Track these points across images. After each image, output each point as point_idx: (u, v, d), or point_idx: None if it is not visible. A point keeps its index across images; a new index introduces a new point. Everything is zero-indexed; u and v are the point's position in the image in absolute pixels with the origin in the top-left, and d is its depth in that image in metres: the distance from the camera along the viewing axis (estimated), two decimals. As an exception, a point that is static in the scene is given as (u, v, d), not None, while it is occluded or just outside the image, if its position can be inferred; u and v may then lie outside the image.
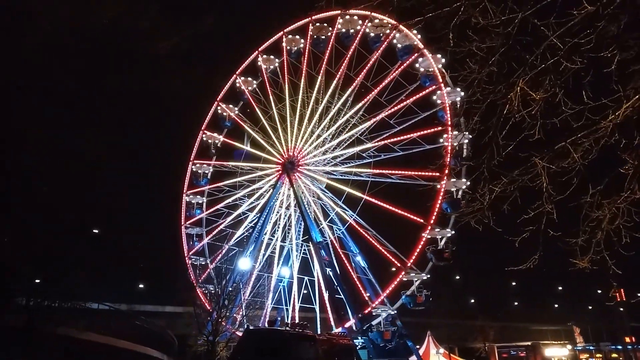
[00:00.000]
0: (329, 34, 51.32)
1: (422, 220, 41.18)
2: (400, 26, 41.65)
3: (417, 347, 53.07)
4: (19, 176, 30.35)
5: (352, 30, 49.61)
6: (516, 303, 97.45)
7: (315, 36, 52.22)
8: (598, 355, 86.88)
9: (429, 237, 41.36)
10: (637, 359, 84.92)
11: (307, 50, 52.70)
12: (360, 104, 48.82)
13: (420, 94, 44.95)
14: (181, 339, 46.37)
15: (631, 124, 7.86)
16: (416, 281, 42.59)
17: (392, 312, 44.33)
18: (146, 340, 38.00)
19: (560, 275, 76.85)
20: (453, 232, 40.70)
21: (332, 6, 41.37)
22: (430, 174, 41.60)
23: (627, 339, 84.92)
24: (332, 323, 46.17)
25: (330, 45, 51.02)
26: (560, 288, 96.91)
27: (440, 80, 43.02)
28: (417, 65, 44.96)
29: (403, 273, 42.42)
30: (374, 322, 44.54)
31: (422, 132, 43.99)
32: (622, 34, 7.76)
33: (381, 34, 47.32)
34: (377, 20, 46.85)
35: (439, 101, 43.32)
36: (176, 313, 54.69)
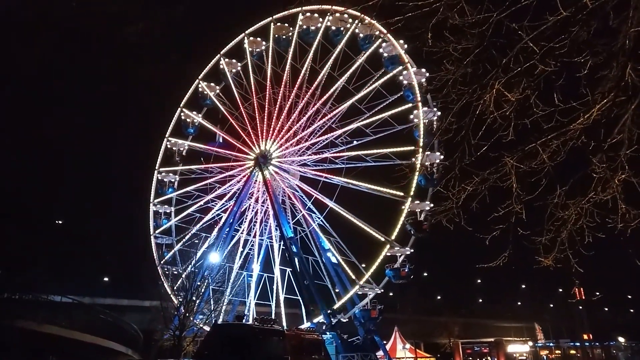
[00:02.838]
0: (290, 34, 51.67)
1: (402, 193, 41.83)
2: (362, 16, 42.81)
3: (385, 342, 53.78)
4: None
5: (312, 27, 49.91)
6: (481, 300, 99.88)
7: (277, 35, 52.46)
8: (557, 351, 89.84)
9: (408, 210, 42.42)
10: (593, 356, 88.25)
11: (270, 50, 52.70)
12: (328, 93, 49.40)
13: (387, 77, 46.35)
14: (147, 333, 45.56)
15: (599, 127, 8.10)
16: (400, 256, 43.37)
17: (379, 291, 44.92)
18: (110, 334, 37.17)
19: (523, 273, 79.15)
20: (432, 205, 41.22)
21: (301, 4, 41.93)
22: (404, 149, 43.20)
23: (585, 336, 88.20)
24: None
25: (293, 43, 51.21)
26: (523, 286, 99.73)
27: (407, 60, 44.25)
28: (380, 50, 46.22)
29: (388, 247, 42.95)
30: (362, 303, 45.40)
31: (391, 112, 45.47)
32: (592, 39, 7.99)
33: (342, 28, 48.08)
34: (337, 15, 47.58)
35: (405, 82, 44.68)
36: (142, 307, 53.76)
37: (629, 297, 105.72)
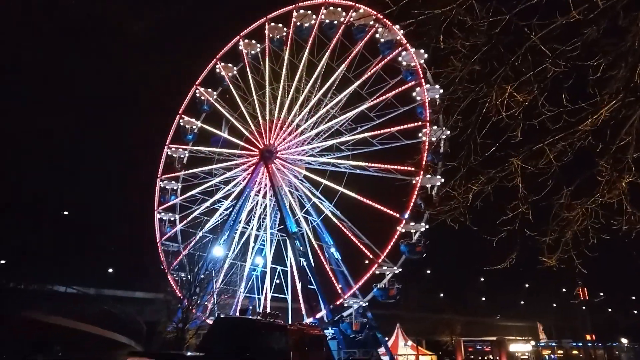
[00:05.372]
0: (284, 32, 52.33)
1: (412, 169, 41.85)
2: (356, 5, 43.22)
3: (386, 339, 53.85)
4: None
5: (306, 24, 50.24)
6: (484, 298, 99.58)
7: (271, 35, 53.11)
8: (559, 351, 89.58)
9: (420, 185, 42.26)
10: (596, 357, 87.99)
11: (267, 50, 53.06)
12: (329, 83, 49.38)
13: (385, 61, 46.52)
14: (150, 325, 45.82)
15: (606, 128, 8.03)
16: (415, 232, 43.54)
17: (397, 270, 44.57)
18: (114, 326, 37.46)
19: (527, 273, 78.80)
20: (443, 180, 40.61)
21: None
22: (410, 125, 44.10)
23: (588, 337, 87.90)
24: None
25: (289, 41, 51.64)
26: (527, 285, 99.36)
27: (404, 42, 44.23)
28: (377, 36, 46.51)
29: (403, 223, 42.99)
30: (381, 283, 45.15)
31: (393, 93, 45.70)
32: (601, 39, 7.91)
33: (335, 21, 48.73)
34: (331, 8, 48.25)
35: (404, 63, 45.25)
36: (146, 299, 54.00)
37: (633, 298, 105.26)
